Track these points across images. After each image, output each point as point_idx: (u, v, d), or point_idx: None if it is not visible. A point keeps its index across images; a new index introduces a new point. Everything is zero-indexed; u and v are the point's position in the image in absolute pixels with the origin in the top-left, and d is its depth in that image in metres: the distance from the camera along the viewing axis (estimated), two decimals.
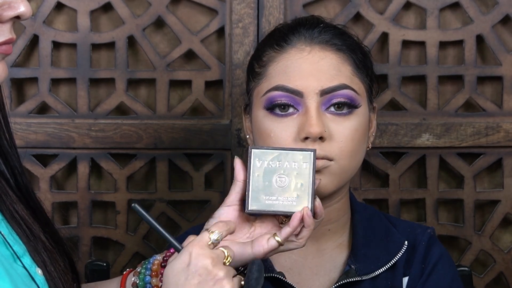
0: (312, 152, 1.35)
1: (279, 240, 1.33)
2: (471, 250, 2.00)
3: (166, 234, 1.28)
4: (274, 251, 1.34)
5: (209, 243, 1.25)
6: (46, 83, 1.96)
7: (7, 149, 1.26)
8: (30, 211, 1.25)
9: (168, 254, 1.38)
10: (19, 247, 1.19)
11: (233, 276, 1.24)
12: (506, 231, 2.04)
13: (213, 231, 1.26)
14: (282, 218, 1.36)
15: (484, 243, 2.00)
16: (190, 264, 1.22)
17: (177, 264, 1.23)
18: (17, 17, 1.15)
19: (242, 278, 1.25)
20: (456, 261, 2.00)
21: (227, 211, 1.36)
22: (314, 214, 1.34)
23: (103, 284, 1.49)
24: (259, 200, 1.35)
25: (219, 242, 1.26)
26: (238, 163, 1.38)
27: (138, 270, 1.39)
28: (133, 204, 1.28)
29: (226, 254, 1.25)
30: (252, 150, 1.36)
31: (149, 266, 1.39)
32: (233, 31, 1.95)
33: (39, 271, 1.19)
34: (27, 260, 1.19)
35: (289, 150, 1.36)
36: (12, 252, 1.17)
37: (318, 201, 1.35)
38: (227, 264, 1.25)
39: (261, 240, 1.33)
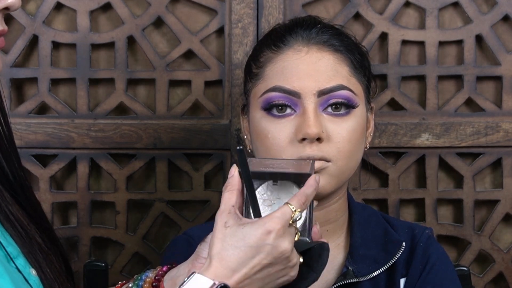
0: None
1: None
2: (471, 249, 2.00)
3: (253, 197, 1.21)
4: None
5: (291, 221, 1.19)
6: (45, 83, 1.96)
7: (6, 147, 1.26)
8: (26, 212, 1.25)
9: (160, 272, 1.30)
10: (13, 249, 1.19)
11: None
12: (506, 231, 2.04)
13: (296, 209, 1.19)
14: None
15: (483, 243, 2.00)
16: (267, 244, 1.16)
17: (253, 237, 1.16)
18: (7, 9, 1.15)
19: (301, 257, 1.21)
20: (455, 261, 2.00)
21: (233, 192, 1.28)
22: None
23: None
24: None
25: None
26: (232, 171, 1.28)
27: (130, 285, 1.33)
28: (239, 147, 1.18)
29: (297, 232, 1.20)
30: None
31: (140, 284, 1.32)
32: (232, 31, 1.95)
33: (33, 272, 1.19)
34: (21, 261, 1.19)
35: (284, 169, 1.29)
36: (5, 253, 1.17)
37: (317, 227, 1.31)
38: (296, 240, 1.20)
39: None
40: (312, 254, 1.23)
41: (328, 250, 1.24)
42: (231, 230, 1.18)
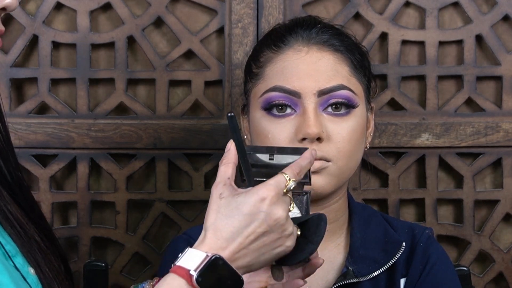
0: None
1: None
2: (471, 249, 2.00)
3: (246, 163, 1.19)
4: None
5: (285, 190, 1.17)
6: (45, 83, 1.96)
7: (3, 146, 1.26)
8: (24, 211, 1.25)
9: (157, 283, 1.27)
10: (11, 247, 1.19)
11: None
12: (506, 231, 2.04)
13: (290, 178, 1.18)
14: (275, 271, 1.30)
15: (483, 243, 2.00)
16: (262, 212, 1.14)
17: (247, 204, 1.15)
18: (3, 9, 1.15)
19: (298, 229, 1.20)
20: (455, 261, 2.00)
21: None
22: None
23: None
24: None
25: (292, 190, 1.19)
26: (228, 145, 1.26)
27: None
28: (230, 113, 1.17)
29: (292, 203, 1.19)
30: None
31: None
32: (232, 31, 1.95)
33: (32, 271, 1.19)
34: (20, 260, 1.19)
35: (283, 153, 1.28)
36: (4, 251, 1.17)
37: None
38: (290, 210, 1.19)
39: None
40: (309, 226, 1.21)
41: (325, 221, 1.22)
42: (226, 200, 1.17)
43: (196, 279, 1.12)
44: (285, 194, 1.17)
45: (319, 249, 1.49)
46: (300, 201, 1.28)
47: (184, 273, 1.13)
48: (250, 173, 1.21)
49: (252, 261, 1.16)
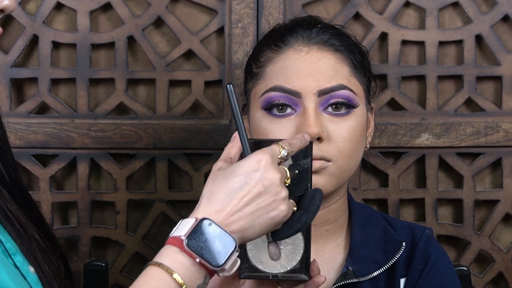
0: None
1: None
2: (471, 249, 2.00)
3: (244, 135, 1.21)
4: None
5: (279, 156, 1.19)
6: (45, 83, 1.96)
7: (1, 149, 1.26)
8: (23, 210, 1.25)
9: None
10: (11, 246, 1.19)
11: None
12: (506, 231, 2.04)
13: (284, 147, 1.20)
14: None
15: (483, 243, 2.00)
16: (258, 171, 1.15)
17: (243, 167, 1.16)
18: (1, 11, 1.15)
19: (294, 204, 1.20)
20: (455, 261, 2.00)
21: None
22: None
23: None
24: (252, 265, 1.29)
25: (285, 160, 1.20)
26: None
27: None
28: (229, 84, 1.21)
29: (287, 175, 1.20)
30: None
31: None
32: (232, 31, 1.95)
33: (32, 269, 1.19)
34: (19, 258, 1.19)
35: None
36: (4, 249, 1.17)
37: (315, 264, 1.31)
38: (286, 182, 1.20)
39: None
40: (305, 198, 1.22)
41: (321, 193, 1.22)
42: (223, 171, 1.18)
43: (186, 244, 1.12)
44: (279, 163, 1.19)
45: (319, 249, 1.51)
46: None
47: (176, 241, 1.14)
48: (246, 144, 1.21)
49: (246, 225, 1.15)
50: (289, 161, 1.24)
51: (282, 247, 1.28)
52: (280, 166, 1.20)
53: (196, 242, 1.12)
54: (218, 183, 1.16)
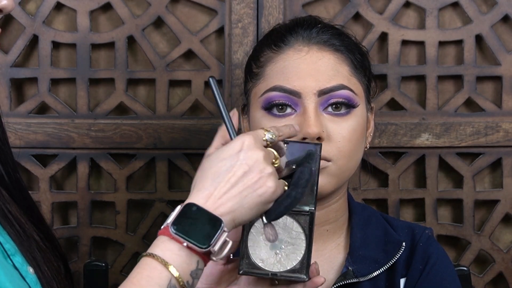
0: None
1: None
2: (471, 249, 2.00)
3: (230, 121, 1.24)
4: None
5: (264, 139, 1.21)
6: (45, 83, 1.96)
7: (1, 150, 1.25)
8: (23, 210, 1.25)
9: None
10: (10, 246, 1.19)
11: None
12: (506, 231, 2.04)
13: (268, 130, 1.22)
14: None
15: (483, 243, 2.00)
16: (241, 152, 1.17)
17: (226, 150, 1.18)
18: (0, 11, 1.15)
19: (286, 183, 1.21)
20: (455, 261, 2.00)
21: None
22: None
23: None
24: (252, 261, 1.29)
25: (272, 144, 1.21)
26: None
27: None
28: (210, 77, 1.23)
29: (275, 155, 1.21)
30: None
31: None
32: (232, 31, 1.95)
33: (31, 270, 1.19)
34: (19, 259, 1.19)
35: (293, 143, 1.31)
36: (3, 250, 1.17)
37: (315, 266, 1.31)
38: (275, 163, 1.20)
39: None
40: (294, 175, 1.22)
41: (309, 168, 1.23)
42: (209, 157, 1.20)
43: (172, 230, 1.14)
44: (266, 146, 1.20)
45: (319, 249, 1.51)
46: (304, 220, 1.29)
47: (165, 230, 1.16)
48: (233, 129, 1.23)
49: (235, 206, 1.16)
50: (284, 159, 1.25)
51: (283, 246, 1.29)
52: (270, 149, 1.21)
53: (181, 227, 1.14)
54: (205, 170, 1.18)
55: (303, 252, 1.28)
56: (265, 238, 1.27)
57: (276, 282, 1.31)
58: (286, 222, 1.28)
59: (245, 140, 1.18)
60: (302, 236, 1.29)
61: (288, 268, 1.29)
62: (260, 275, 1.29)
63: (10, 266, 1.16)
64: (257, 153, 1.17)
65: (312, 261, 1.31)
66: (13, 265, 1.17)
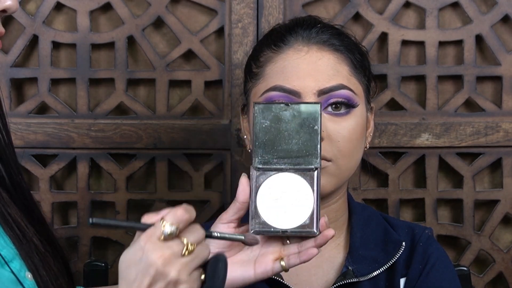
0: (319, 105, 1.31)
1: (285, 266, 1.29)
2: (471, 249, 2.00)
3: (131, 224, 1.14)
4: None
5: (161, 238, 1.08)
6: (45, 83, 1.96)
7: (3, 148, 1.25)
8: (24, 213, 1.24)
9: None
10: (9, 251, 1.18)
11: (193, 271, 1.10)
12: (506, 231, 2.04)
13: (165, 223, 1.09)
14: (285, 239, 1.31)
15: (483, 243, 2.00)
16: (142, 260, 1.08)
17: (129, 255, 1.10)
18: (3, 11, 1.15)
19: (202, 271, 1.13)
20: (455, 261, 2.00)
21: (223, 229, 1.28)
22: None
23: None
24: (263, 221, 1.29)
25: (175, 236, 1.09)
26: (243, 183, 1.28)
27: None
28: (91, 220, 1.10)
29: (185, 243, 1.10)
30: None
31: None
32: (232, 31, 1.95)
33: (29, 276, 1.18)
34: (16, 264, 1.18)
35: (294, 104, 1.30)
36: (0, 257, 1.16)
37: (325, 219, 1.30)
38: (187, 254, 1.10)
39: (264, 264, 1.29)
40: (208, 269, 1.16)
41: (224, 261, 1.16)
42: (121, 257, 1.12)
43: None
44: (165, 239, 1.09)
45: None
46: (311, 176, 1.29)
47: None
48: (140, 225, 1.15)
49: None
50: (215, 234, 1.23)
51: (292, 204, 1.29)
52: (175, 241, 1.10)
53: None
54: (120, 273, 1.10)
55: (311, 207, 1.28)
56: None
57: (288, 240, 1.31)
58: (293, 179, 1.29)
59: (143, 246, 1.08)
60: (310, 192, 1.29)
61: (298, 224, 1.29)
62: (271, 233, 1.29)
63: (6, 274, 1.15)
64: (155, 260, 1.07)
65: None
66: (11, 271, 1.16)
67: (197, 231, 1.12)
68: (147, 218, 1.11)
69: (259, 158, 1.31)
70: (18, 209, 1.24)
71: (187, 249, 1.10)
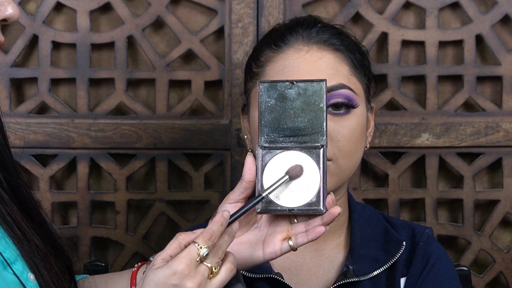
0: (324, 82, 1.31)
1: (293, 245, 1.29)
2: (471, 249, 2.00)
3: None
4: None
5: (197, 259, 1.18)
6: (45, 83, 1.96)
7: (1, 154, 1.25)
8: (24, 213, 1.24)
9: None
10: (11, 253, 1.18)
11: None
12: (506, 231, 2.04)
13: (201, 246, 1.18)
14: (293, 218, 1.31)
15: (483, 243, 2.00)
16: (172, 284, 1.16)
17: (161, 277, 1.17)
18: (4, 20, 1.15)
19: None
20: (455, 261, 2.00)
21: (230, 208, 1.29)
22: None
23: (112, 277, 1.45)
24: (269, 199, 1.29)
25: (206, 258, 1.19)
26: (249, 162, 1.30)
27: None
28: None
29: (209, 267, 1.19)
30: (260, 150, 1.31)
31: None
32: (232, 31, 1.95)
33: (31, 277, 1.18)
34: (19, 266, 1.18)
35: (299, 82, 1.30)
36: (2, 259, 1.16)
37: (331, 197, 1.30)
38: (211, 277, 1.19)
39: (272, 244, 1.30)
40: None
41: (240, 281, 1.23)
42: (150, 271, 1.19)
43: None
44: (200, 262, 1.18)
45: (319, 249, 1.51)
46: (317, 154, 1.29)
47: None
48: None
49: None
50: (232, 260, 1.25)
51: (298, 182, 1.29)
52: (203, 262, 1.19)
53: None
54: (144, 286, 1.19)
55: (318, 185, 1.27)
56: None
57: (295, 219, 1.31)
58: (299, 157, 1.29)
59: (178, 270, 1.17)
60: (316, 169, 1.29)
61: (305, 202, 1.29)
62: (278, 212, 1.29)
63: (9, 277, 1.15)
64: (188, 286, 1.17)
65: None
66: (14, 273, 1.16)
67: (241, 246, 1.26)
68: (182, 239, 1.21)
69: (265, 136, 1.31)
70: (19, 209, 1.24)
71: (211, 272, 1.19)
